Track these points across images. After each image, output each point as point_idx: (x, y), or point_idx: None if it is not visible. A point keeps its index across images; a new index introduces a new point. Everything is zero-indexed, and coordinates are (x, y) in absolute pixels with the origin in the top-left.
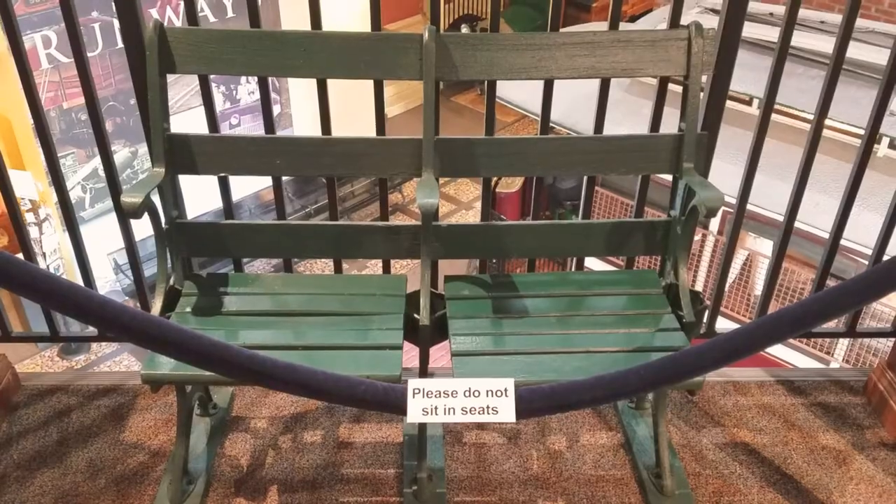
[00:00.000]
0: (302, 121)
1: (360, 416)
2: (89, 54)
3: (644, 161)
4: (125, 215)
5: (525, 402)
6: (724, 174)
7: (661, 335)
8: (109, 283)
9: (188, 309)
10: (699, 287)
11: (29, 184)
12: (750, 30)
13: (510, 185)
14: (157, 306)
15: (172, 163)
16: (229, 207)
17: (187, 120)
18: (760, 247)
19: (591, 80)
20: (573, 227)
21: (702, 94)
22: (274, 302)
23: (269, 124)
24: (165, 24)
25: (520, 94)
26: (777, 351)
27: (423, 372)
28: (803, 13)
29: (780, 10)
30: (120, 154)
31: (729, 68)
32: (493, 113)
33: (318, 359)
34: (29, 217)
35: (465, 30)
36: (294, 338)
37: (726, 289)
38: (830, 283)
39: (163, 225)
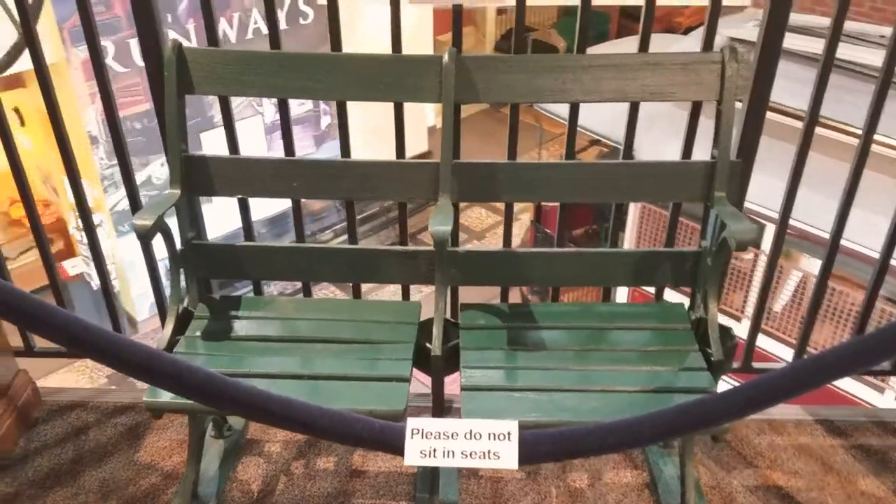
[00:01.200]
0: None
1: None
2: (123, 70)
3: (674, 189)
4: (137, 237)
5: (529, 446)
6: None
7: (685, 375)
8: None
9: (198, 333)
10: (749, 311)
11: (86, 191)
12: (807, 44)
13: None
14: (168, 329)
15: (189, 184)
16: (249, 228)
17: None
18: (815, 268)
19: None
20: (598, 255)
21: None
22: (285, 327)
23: (289, 146)
24: (221, 38)
25: (564, 107)
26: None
27: (437, 402)
28: (863, 27)
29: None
30: (167, 167)
31: (765, 94)
32: (516, 136)
33: (324, 389)
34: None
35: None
36: (301, 366)
37: (779, 311)
38: (882, 306)
39: (177, 246)
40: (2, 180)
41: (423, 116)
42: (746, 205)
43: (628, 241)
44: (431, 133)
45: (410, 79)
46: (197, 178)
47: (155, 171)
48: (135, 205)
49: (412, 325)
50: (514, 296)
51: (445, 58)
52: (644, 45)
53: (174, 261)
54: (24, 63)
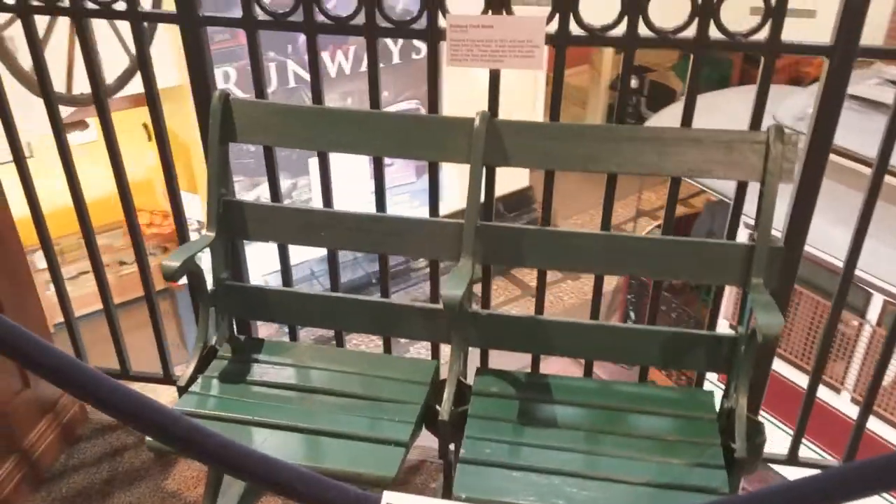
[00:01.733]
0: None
1: None
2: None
3: (710, 270)
4: (164, 277)
5: None
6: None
7: (699, 472)
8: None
9: (216, 373)
10: (849, 385)
11: (197, 206)
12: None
13: None
14: (191, 366)
15: (225, 227)
16: (287, 272)
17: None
18: None
19: None
20: (627, 331)
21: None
22: (299, 375)
23: (328, 196)
24: (335, 67)
25: None
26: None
27: (446, 467)
28: None
29: None
30: (282, 184)
31: (817, 177)
32: (551, 202)
33: (321, 445)
34: (194, 236)
35: (633, 83)
36: (303, 418)
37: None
38: None
39: (208, 287)
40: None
41: None
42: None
43: (726, 304)
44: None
45: (442, 139)
46: (232, 222)
47: (264, 192)
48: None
49: (423, 386)
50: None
51: (476, 121)
52: (687, 119)
53: (204, 300)
54: (161, 80)
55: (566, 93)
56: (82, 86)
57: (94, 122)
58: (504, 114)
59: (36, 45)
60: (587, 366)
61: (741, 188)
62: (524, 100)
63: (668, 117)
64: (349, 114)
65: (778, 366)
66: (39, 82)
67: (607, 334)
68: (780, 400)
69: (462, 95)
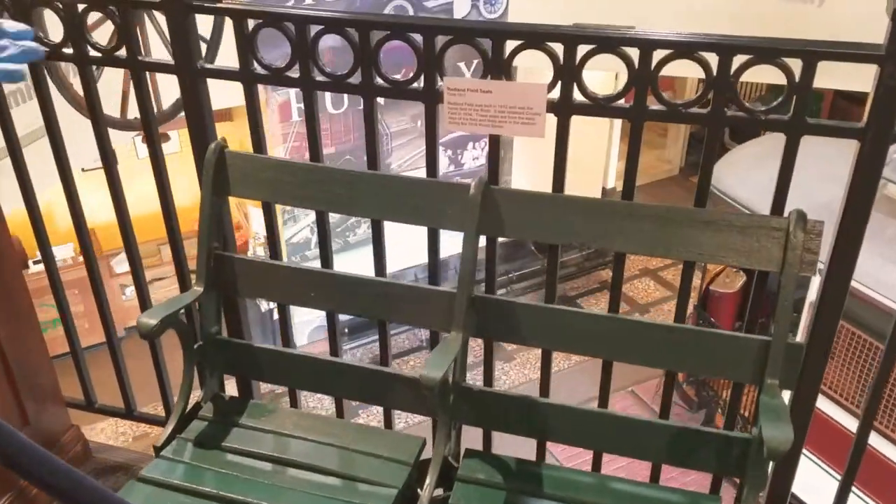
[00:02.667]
0: (518, 179)
1: None
2: (335, 111)
3: (719, 364)
4: (140, 335)
5: None
6: None
7: None
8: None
9: (193, 436)
10: None
11: (260, 220)
12: None
13: (729, 285)
14: (169, 427)
15: (215, 282)
16: (286, 334)
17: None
18: None
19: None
20: (633, 422)
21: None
22: (276, 445)
23: (325, 253)
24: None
25: (743, 190)
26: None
27: None
28: None
29: None
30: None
31: (848, 269)
32: (555, 278)
33: None
34: (259, 251)
35: None
36: (270, 497)
37: None
38: None
39: (195, 344)
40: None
41: (600, 178)
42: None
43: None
44: (611, 194)
45: (436, 204)
46: (222, 277)
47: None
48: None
49: (404, 467)
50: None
51: (472, 188)
52: (700, 199)
53: (188, 357)
54: (232, 100)
55: None
56: (136, 111)
57: (176, 134)
58: (577, 155)
59: (92, 93)
60: (595, 456)
61: (761, 279)
62: (599, 140)
63: (748, 152)
64: (341, 173)
65: (823, 404)
66: (93, 122)
67: (610, 424)
68: (824, 439)
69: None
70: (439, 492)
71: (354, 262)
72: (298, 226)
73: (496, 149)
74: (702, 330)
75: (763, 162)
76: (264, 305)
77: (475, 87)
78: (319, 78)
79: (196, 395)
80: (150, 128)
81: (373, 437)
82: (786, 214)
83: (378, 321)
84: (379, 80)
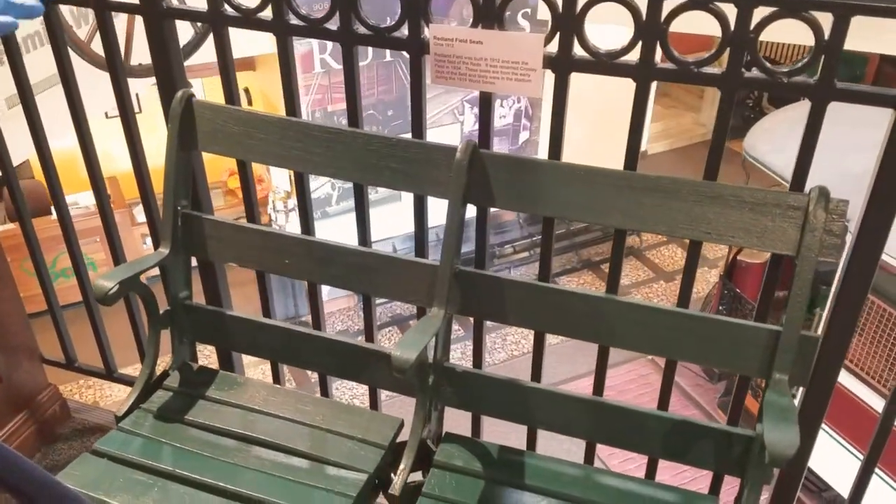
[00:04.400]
0: (546, 147)
1: None
2: (360, 63)
3: (725, 355)
4: (97, 300)
5: None
6: None
7: None
8: None
9: (154, 408)
10: None
11: (285, 176)
12: None
13: (757, 255)
14: (132, 396)
15: (183, 243)
16: (266, 304)
17: (438, 136)
18: None
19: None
20: (627, 412)
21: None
22: (242, 420)
23: (305, 220)
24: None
25: (778, 158)
26: None
27: None
28: None
29: None
30: None
31: (874, 256)
32: (550, 254)
33: None
34: (279, 205)
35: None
36: (229, 478)
37: None
38: None
39: (159, 308)
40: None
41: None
42: None
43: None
44: (642, 158)
45: (419, 168)
46: (190, 238)
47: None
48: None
49: (378, 450)
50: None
51: (458, 151)
52: (711, 171)
53: (153, 323)
54: (257, 48)
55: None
56: (141, 56)
57: (198, 82)
58: (609, 116)
59: (110, 42)
60: (588, 446)
61: (775, 263)
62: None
63: (785, 117)
64: (319, 130)
65: (845, 379)
66: (109, 67)
67: (601, 413)
68: (847, 416)
69: None
70: (416, 476)
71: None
72: (319, 181)
73: (487, 109)
74: (705, 316)
75: (801, 128)
76: None
77: (464, 38)
78: (293, 21)
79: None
80: (116, 70)
81: (348, 416)
82: (807, 190)
83: (362, 294)
84: (359, 27)
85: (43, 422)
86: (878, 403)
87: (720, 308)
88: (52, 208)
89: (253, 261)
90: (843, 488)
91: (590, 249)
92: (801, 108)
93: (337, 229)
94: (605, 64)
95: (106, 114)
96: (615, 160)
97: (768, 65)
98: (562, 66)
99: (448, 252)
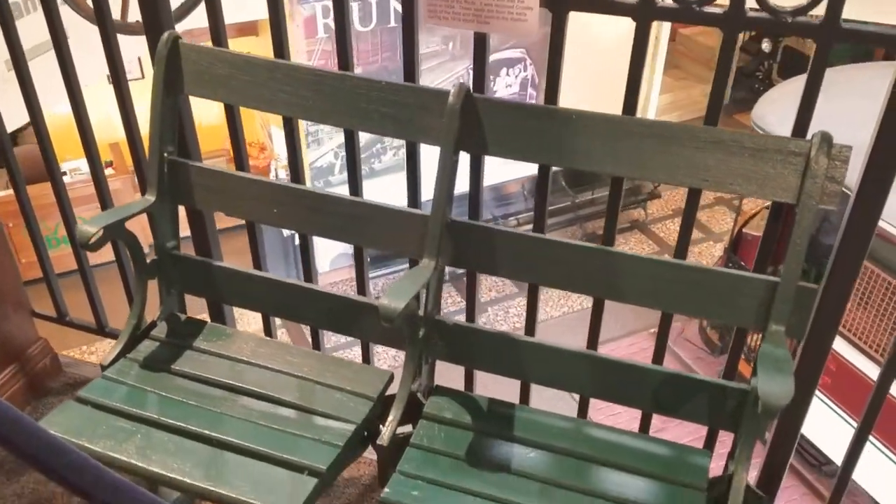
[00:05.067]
0: (567, 95)
1: None
2: (363, 29)
3: (722, 306)
4: (80, 246)
5: None
6: None
7: None
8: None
9: (140, 357)
10: None
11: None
12: None
13: (762, 228)
14: (117, 346)
15: (169, 191)
16: (256, 256)
17: None
18: None
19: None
20: (619, 365)
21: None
22: (230, 371)
23: (295, 167)
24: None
25: (786, 129)
26: None
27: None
28: None
29: None
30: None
31: (877, 202)
32: (545, 205)
33: (223, 463)
34: (282, 173)
35: (765, 46)
36: (214, 426)
37: None
38: None
39: (145, 257)
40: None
41: (639, 112)
42: None
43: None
44: None
45: (410, 113)
46: (177, 186)
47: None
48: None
49: (367, 401)
50: None
51: (451, 95)
52: (711, 116)
53: (140, 272)
54: (259, 13)
55: (695, 52)
56: (137, 13)
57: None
58: (617, 86)
59: None
60: (581, 403)
61: (776, 211)
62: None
63: (793, 88)
64: (306, 71)
65: (842, 347)
66: (100, 26)
67: (596, 366)
68: (850, 391)
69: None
70: (406, 430)
71: (381, 189)
72: (322, 150)
73: (482, 52)
74: (701, 267)
75: None
76: (286, 231)
77: None
78: None
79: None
80: (105, 20)
81: (337, 369)
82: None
83: (354, 246)
84: None
85: (33, 375)
86: (873, 371)
87: None
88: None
89: (241, 210)
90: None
91: (594, 223)
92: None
93: None
94: (604, 2)
95: (108, 77)
96: None
97: (771, 3)
98: (559, 3)
99: (439, 202)
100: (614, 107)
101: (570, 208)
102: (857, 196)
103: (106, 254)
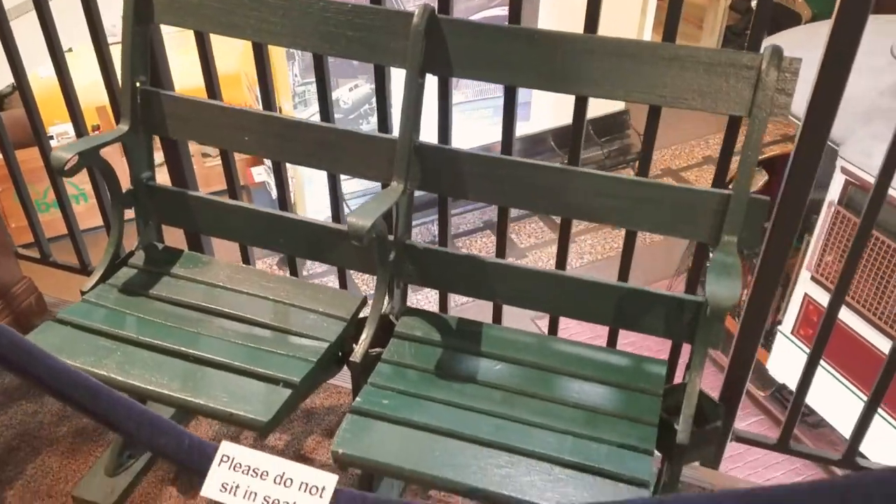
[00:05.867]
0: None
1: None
2: None
3: (677, 220)
4: (56, 171)
5: None
6: None
7: (623, 456)
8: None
9: (119, 283)
10: None
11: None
12: None
13: (752, 185)
14: (96, 273)
15: (143, 120)
16: (231, 186)
17: None
18: None
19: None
20: (579, 283)
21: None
22: (206, 295)
23: (266, 96)
24: None
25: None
26: None
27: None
28: None
29: None
30: (361, 89)
31: (828, 115)
32: (513, 126)
33: (201, 376)
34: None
35: (754, 2)
36: (192, 344)
37: None
38: None
39: (121, 187)
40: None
41: None
42: None
43: (818, 252)
44: None
45: (376, 36)
46: (150, 115)
47: (343, 94)
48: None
49: (340, 322)
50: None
51: (416, 16)
52: (669, 33)
53: (115, 201)
54: None
55: (684, 11)
56: None
57: None
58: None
59: None
60: (552, 320)
61: (732, 123)
62: (629, 27)
63: (780, 42)
64: None
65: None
66: None
67: (558, 284)
68: (844, 352)
69: None
70: (379, 350)
71: None
72: (309, 111)
73: None
74: (658, 183)
75: (794, 52)
76: (274, 193)
77: None
78: None
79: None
80: None
81: (311, 293)
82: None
83: (328, 174)
84: None
85: (18, 313)
86: (881, 342)
87: None
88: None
89: (213, 138)
90: (831, 417)
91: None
92: (794, 34)
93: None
94: None
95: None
96: None
97: None
98: None
99: (406, 125)
100: None
101: (598, 158)
102: (807, 114)
103: (94, 218)
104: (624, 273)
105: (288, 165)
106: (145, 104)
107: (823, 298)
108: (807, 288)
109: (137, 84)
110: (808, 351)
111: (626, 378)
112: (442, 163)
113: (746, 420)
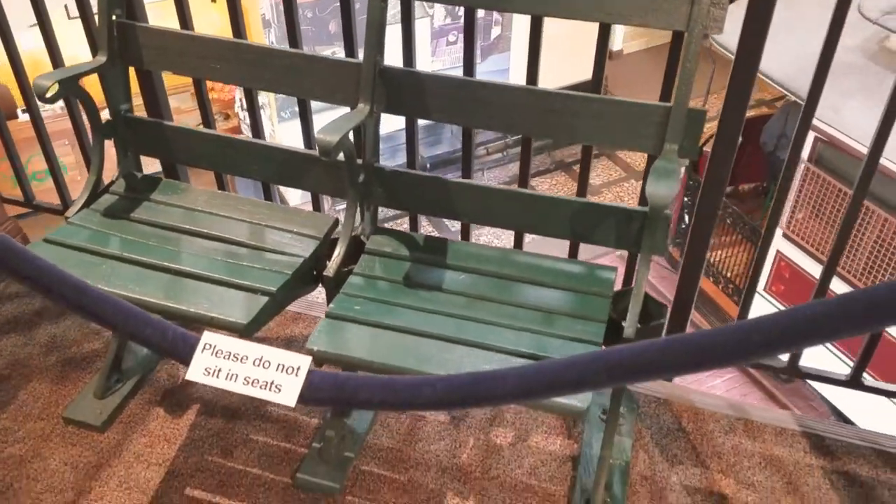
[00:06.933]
0: (519, 44)
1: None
2: None
3: (625, 134)
4: (37, 98)
5: (313, 388)
6: None
7: (573, 347)
8: None
9: (101, 208)
10: None
11: None
12: None
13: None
14: (80, 200)
15: (119, 52)
16: (205, 114)
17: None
18: None
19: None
20: (534, 199)
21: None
22: (185, 217)
23: (237, 25)
24: None
25: (779, 69)
26: None
27: None
28: None
29: None
30: (338, 57)
31: (761, 29)
32: (473, 45)
33: (182, 287)
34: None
35: None
36: (172, 259)
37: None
38: None
39: (100, 117)
40: None
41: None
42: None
43: (789, 210)
44: (617, 57)
45: None
46: (126, 47)
47: None
48: None
49: (314, 241)
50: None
51: None
52: None
53: (97, 132)
54: None
55: None
56: None
57: None
58: None
59: None
60: (516, 235)
61: (676, 41)
62: None
63: None
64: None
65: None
66: None
67: (520, 202)
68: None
69: None
70: (350, 268)
71: None
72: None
73: None
74: (604, 98)
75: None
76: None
77: None
78: None
79: None
80: None
81: (286, 215)
82: None
83: (298, 100)
84: None
85: None
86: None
87: (685, 199)
88: (19, 111)
89: (186, 67)
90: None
91: (563, 151)
92: None
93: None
94: None
95: (67, 11)
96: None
97: None
98: None
99: (370, 47)
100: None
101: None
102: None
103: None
104: (582, 188)
105: (268, 136)
106: (121, 36)
107: (794, 255)
108: (778, 245)
109: (114, 17)
110: (781, 308)
111: (580, 283)
112: (406, 85)
113: (723, 376)
